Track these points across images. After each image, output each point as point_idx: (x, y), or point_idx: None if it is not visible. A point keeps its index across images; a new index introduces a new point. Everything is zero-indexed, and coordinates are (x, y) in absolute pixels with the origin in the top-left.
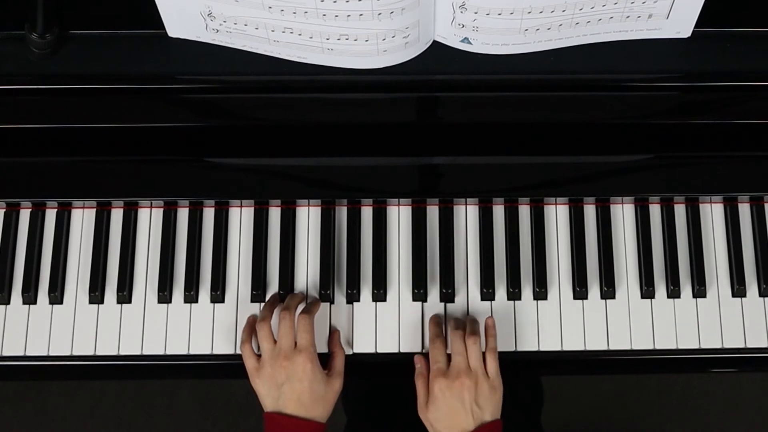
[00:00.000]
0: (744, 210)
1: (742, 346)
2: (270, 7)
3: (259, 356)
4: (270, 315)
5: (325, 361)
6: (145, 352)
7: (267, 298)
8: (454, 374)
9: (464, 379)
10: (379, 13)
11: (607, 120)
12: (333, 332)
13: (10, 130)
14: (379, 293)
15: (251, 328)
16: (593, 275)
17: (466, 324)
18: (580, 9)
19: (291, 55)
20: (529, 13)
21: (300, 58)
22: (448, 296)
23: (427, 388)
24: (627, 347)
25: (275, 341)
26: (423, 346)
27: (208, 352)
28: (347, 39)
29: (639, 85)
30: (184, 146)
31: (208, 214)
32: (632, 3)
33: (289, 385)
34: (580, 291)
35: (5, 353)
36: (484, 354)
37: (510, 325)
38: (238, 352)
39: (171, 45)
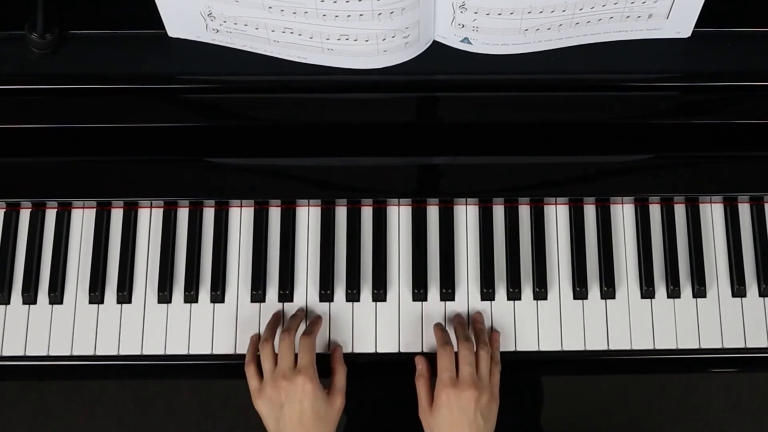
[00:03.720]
0: (744, 210)
1: (742, 346)
2: (270, 7)
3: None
4: (272, 336)
5: (326, 376)
6: (145, 352)
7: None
8: (464, 385)
9: (473, 390)
10: (379, 13)
11: (607, 120)
12: (334, 349)
13: (10, 130)
14: (379, 293)
15: (255, 348)
16: (593, 275)
17: (473, 333)
18: (580, 9)
19: (291, 55)
20: (529, 13)
21: (300, 58)
22: (448, 296)
23: (429, 391)
24: (627, 347)
25: (276, 362)
26: (423, 346)
27: (208, 352)
28: (347, 39)
29: (639, 85)
30: (184, 146)
31: (208, 214)
32: (632, 3)
33: (289, 406)
34: (580, 291)
35: (5, 353)
36: None
37: (510, 325)
38: (238, 352)
39: (171, 45)
